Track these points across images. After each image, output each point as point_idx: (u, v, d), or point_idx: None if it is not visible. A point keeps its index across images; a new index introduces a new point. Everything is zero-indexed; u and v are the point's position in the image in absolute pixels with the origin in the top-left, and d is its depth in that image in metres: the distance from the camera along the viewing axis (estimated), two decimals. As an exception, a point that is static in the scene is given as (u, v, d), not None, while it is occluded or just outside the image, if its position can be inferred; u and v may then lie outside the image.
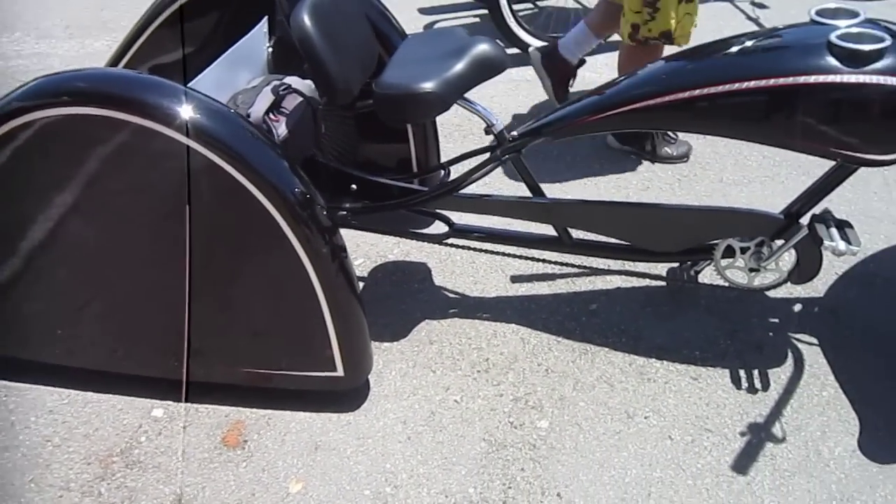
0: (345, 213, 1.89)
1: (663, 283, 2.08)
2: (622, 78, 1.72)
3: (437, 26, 3.74)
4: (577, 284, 2.12)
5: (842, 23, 1.51)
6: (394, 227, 1.97)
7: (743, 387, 1.80)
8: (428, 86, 1.58)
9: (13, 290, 1.69)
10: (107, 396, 1.84)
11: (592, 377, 1.85)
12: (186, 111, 1.45)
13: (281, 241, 1.52)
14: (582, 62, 2.81)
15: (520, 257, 2.01)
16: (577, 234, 1.92)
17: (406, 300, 2.11)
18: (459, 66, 1.62)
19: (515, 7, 3.46)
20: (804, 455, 1.64)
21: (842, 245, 1.60)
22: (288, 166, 1.53)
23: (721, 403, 1.77)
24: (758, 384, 1.80)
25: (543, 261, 2.04)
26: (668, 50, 2.13)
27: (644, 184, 2.53)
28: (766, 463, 1.63)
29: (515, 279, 2.15)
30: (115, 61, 2.08)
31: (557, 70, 2.76)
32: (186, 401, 1.80)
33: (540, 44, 3.26)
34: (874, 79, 1.41)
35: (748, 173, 2.54)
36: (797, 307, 2.01)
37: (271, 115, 1.74)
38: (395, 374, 1.89)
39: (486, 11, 3.38)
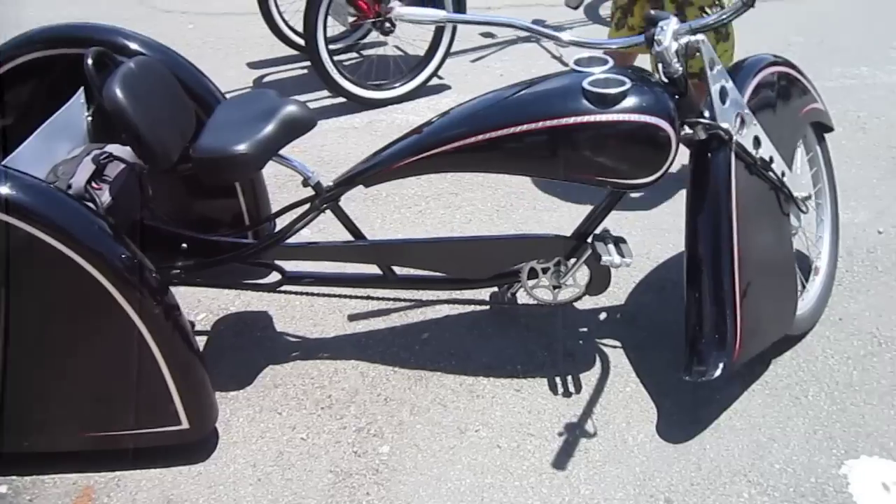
0: (178, 271, 1.97)
1: (487, 307, 2.29)
2: (422, 126, 1.91)
3: (265, 80, 3.86)
4: (410, 317, 2.29)
5: (596, 69, 1.77)
6: (228, 281, 2.06)
7: (559, 392, 2.02)
8: (241, 148, 1.71)
9: None
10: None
11: (427, 400, 2.02)
12: (2, 188, 1.50)
13: (112, 306, 1.59)
14: None
15: (353, 297, 2.15)
16: (401, 270, 2.09)
17: (249, 349, 2.21)
18: (269, 128, 1.76)
19: (340, 57, 3.66)
20: (612, 445, 1.87)
21: (616, 259, 1.86)
22: (112, 233, 1.61)
23: (541, 410, 1.98)
24: (571, 388, 2.02)
25: (379, 298, 2.19)
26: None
27: (467, 217, 2.75)
28: (581, 457, 1.85)
29: (353, 318, 2.29)
30: None
31: None
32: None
33: (363, 91, 3.46)
34: (620, 116, 1.68)
35: (557, 200, 2.82)
36: (602, 315, 2.27)
37: (93, 184, 1.80)
38: (242, 420, 1.98)
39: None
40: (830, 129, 2.30)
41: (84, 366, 1.70)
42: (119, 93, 1.66)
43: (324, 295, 2.11)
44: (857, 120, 3.28)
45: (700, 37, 1.73)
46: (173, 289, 1.80)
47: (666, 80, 1.76)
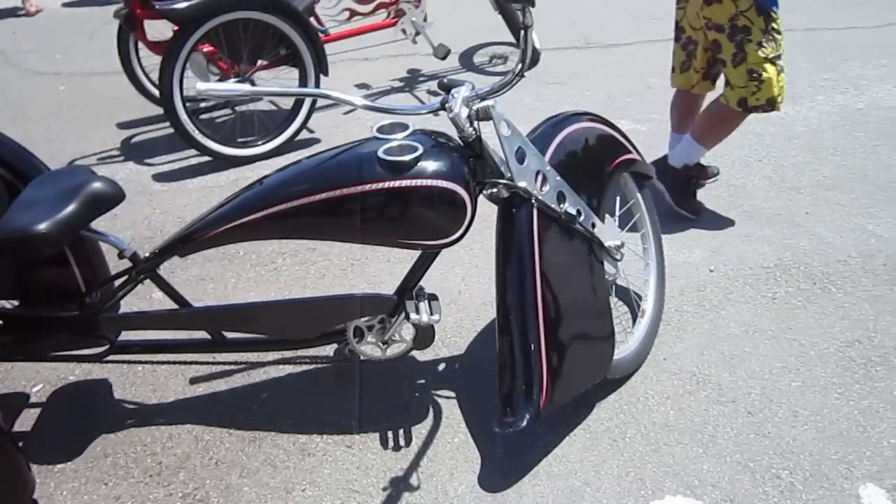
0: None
1: (328, 364, 2.32)
2: (235, 194, 1.95)
3: (132, 141, 3.85)
4: (252, 377, 2.31)
5: (398, 135, 1.85)
6: (48, 354, 2.05)
7: (389, 446, 2.06)
8: (41, 227, 1.71)
9: None
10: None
11: (258, 461, 2.03)
12: None
13: None
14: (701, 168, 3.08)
15: (188, 363, 2.16)
16: (231, 333, 2.11)
17: (84, 418, 2.18)
18: (72, 206, 1.77)
19: (214, 114, 3.68)
20: (434, 498, 1.92)
21: (424, 317, 1.93)
22: None
23: (370, 465, 2.01)
24: (402, 442, 2.07)
25: (219, 362, 2.20)
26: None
27: (321, 272, 2.80)
28: (402, 511, 1.89)
29: (194, 381, 2.30)
30: None
31: (671, 179, 3.04)
32: None
33: (227, 149, 3.49)
34: (412, 182, 1.76)
35: (412, 253, 2.88)
36: (441, 366, 2.33)
37: None
38: (66, 493, 1.95)
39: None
40: (649, 178, 2.44)
41: None
42: None
43: (156, 362, 2.11)
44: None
45: (490, 102, 1.83)
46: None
47: (462, 144, 1.86)
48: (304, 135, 3.73)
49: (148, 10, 3.39)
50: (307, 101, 3.59)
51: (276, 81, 3.82)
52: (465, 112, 1.79)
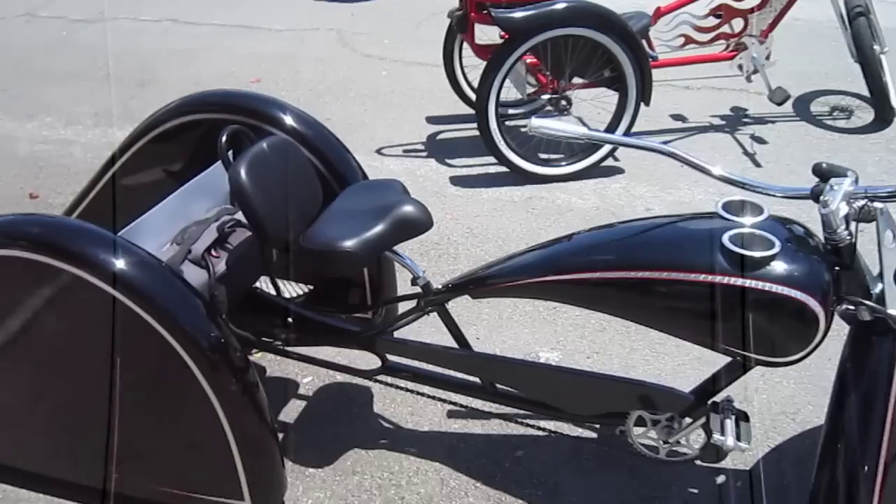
0: (278, 343, 1.97)
1: (594, 436, 2.09)
2: (543, 245, 1.78)
3: (437, 137, 3.87)
4: (510, 427, 2.15)
5: (747, 220, 1.55)
6: (324, 360, 2.04)
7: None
8: (347, 245, 1.67)
9: None
10: (36, 497, 1.93)
11: (499, 530, 1.87)
12: (111, 262, 1.57)
13: (190, 379, 1.61)
14: None
15: (452, 403, 2.06)
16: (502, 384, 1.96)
17: (342, 425, 2.17)
18: (381, 227, 1.71)
19: (517, 122, 3.58)
20: None
21: (730, 441, 1.61)
22: (204, 312, 1.63)
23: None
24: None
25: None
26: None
27: (601, 324, 2.56)
28: None
29: (452, 414, 2.19)
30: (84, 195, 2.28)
31: None
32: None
33: (528, 165, 3.36)
34: (758, 284, 1.45)
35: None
36: (720, 478, 2.00)
37: (213, 252, 1.85)
38: (311, 502, 1.94)
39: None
40: None
41: (164, 427, 1.74)
42: (243, 173, 1.69)
43: (419, 393, 2.04)
44: None
45: (879, 205, 1.46)
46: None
47: (828, 247, 1.51)
48: (607, 162, 3.50)
49: (482, 15, 3.35)
50: (622, 126, 3.34)
51: (591, 104, 3.63)
52: (843, 210, 1.44)
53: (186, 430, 1.71)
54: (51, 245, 1.58)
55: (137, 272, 1.57)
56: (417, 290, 1.87)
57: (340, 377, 2.33)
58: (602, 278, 1.58)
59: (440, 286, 1.86)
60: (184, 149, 2.16)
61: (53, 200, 3.40)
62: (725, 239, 1.49)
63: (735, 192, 1.60)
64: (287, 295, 2.16)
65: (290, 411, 2.23)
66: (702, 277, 1.49)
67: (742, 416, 1.69)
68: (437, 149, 3.79)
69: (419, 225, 1.76)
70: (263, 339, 2.03)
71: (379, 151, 3.75)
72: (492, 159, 3.49)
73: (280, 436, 2.07)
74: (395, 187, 1.88)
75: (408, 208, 1.75)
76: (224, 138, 1.90)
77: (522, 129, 3.81)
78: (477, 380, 1.94)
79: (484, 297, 1.83)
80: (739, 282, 1.46)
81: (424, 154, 3.74)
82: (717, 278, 1.47)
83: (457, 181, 3.49)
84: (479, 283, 1.78)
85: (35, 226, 1.64)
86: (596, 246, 1.66)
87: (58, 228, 1.65)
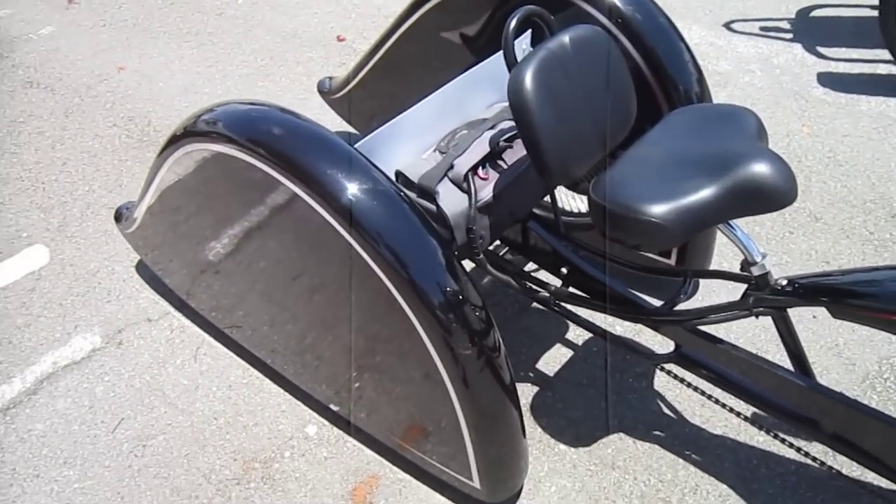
0: (549, 296, 1.55)
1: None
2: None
3: (812, 14, 2.96)
4: (841, 481, 1.56)
5: None
6: (605, 329, 1.59)
7: None
8: (655, 213, 1.15)
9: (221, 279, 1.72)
10: (277, 391, 1.81)
11: None
12: (333, 183, 1.26)
13: (414, 338, 1.31)
14: None
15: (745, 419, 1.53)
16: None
17: (613, 405, 1.75)
18: (714, 193, 1.16)
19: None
20: None
21: None
22: (442, 261, 1.26)
23: None
24: None
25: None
26: None
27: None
28: None
29: (750, 419, 1.66)
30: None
31: None
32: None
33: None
34: None
35: None
36: None
37: (480, 172, 1.44)
38: (554, 490, 1.59)
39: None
40: None
41: (394, 379, 1.48)
42: (528, 82, 1.22)
43: (705, 395, 1.54)
44: None
45: None
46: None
47: None
48: None
49: None
50: None
51: None
52: None
53: (411, 391, 1.43)
54: (282, 156, 1.29)
55: (364, 199, 1.23)
56: (748, 277, 1.31)
57: (620, 329, 1.88)
58: None
59: (783, 282, 1.27)
60: (473, 23, 1.71)
61: (358, 46, 3.21)
62: None
63: None
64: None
65: (548, 363, 1.85)
66: None
67: None
68: (808, 30, 2.92)
69: (777, 197, 1.17)
70: (528, 284, 1.62)
71: (728, 26, 2.98)
72: (885, 54, 2.58)
73: (531, 394, 1.71)
74: (747, 125, 1.28)
75: (763, 170, 1.16)
76: (514, 23, 1.39)
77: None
78: (793, 404, 1.38)
79: (849, 320, 1.21)
80: None
81: (788, 36, 2.89)
82: None
83: (827, 80, 2.65)
84: (844, 300, 1.18)
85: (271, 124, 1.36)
86: None
87: (294, 134, 1.35)
